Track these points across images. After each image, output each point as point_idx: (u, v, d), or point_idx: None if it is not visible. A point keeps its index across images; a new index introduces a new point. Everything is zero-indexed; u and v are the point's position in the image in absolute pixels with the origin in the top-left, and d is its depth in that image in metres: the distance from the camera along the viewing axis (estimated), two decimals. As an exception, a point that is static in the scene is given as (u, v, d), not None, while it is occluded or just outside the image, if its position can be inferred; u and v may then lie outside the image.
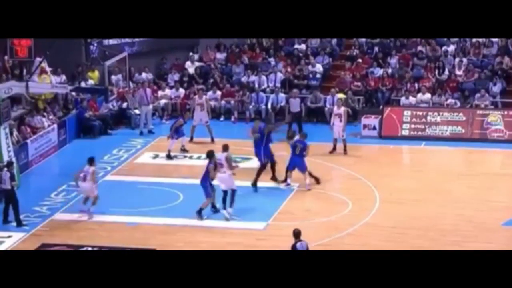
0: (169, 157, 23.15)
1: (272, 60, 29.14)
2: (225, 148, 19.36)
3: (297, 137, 21.60)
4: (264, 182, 21.16)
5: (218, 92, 27.79)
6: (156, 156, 23.62)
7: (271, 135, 21.48)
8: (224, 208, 18.99)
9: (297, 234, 15.01)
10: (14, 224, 18.79)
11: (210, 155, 19.19)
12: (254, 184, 20.67)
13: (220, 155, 19.16)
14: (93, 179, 19.11)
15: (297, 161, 20.87)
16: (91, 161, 19.29)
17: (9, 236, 18.33)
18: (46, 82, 23.94)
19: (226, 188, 19.00)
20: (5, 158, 20.47)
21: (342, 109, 23.67)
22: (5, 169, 19.08)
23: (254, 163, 22.61)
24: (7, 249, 17.62)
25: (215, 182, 19.10)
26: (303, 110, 26.24)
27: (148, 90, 26.48)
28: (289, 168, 20.98)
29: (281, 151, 21.80)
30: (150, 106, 26.29)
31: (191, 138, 24.47)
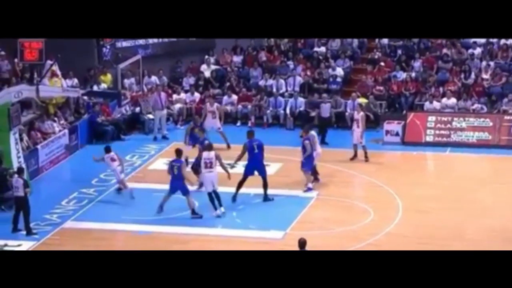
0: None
1: (290, 63, 29.17)
2: (211, 147, 19.96)
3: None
4: (282, 190, 21.17)
5: (234, 96, 27.84)
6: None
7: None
8: (215, 208, 19.50)
9: (302, 244, 14.77)
10: (24, 232, 18.92)
11: (179, 153, 19.94)
12: (266, 197, 20.61)
13: (207, 154, 19.64)
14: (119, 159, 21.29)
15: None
16: (108, 150, 21.23)
17: (19, 245, 18.46)
18: (57, 86, 24.07)
19: (215, 187, 19.55)
20: (15, 164, 20.60)
21: (360, 115, 23.67)
22: (16, 175, 19.25)
23: (272, 170, 22.67)
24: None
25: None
26: (333, 116, 26.11)
27: (163, 94, 26.58)
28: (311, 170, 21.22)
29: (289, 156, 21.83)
30: (164, 111, 26.39)
31: None
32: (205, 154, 19.75)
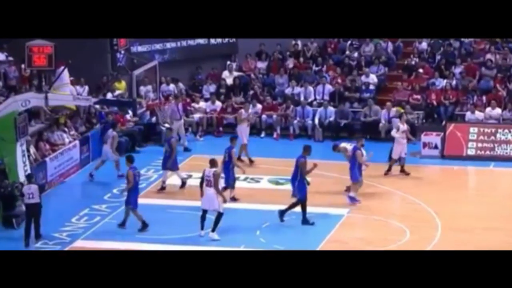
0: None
1: (319, 70, 29.13)
2: (214, 163, 19.66)
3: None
4: (310, 207, 21.10)
5: (259, 106, 27.83)
6: (189, 177, 23.68)
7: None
8: (202, 228, 19.43)
9: None
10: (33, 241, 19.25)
11: (130, 159, 20.26)
12: (282, 214, 20.32)
13: (208, 171, 19.50)
14: (112, 143, 23.43)
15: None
16: (114, 126, 24.11)
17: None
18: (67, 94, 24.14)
19: (208, 208, 19.38)
20: (22, 178, 20.70)
21: (407, 127, 23.55)
22: (26, 182, 19.67)
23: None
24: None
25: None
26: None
27: (180, 104, 26.60)
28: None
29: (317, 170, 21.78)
30: (182, 121, 26.37)
31: (239, 157, 23.95)
32: (206, 170, 19.60)
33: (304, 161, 20.31)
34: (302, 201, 20.20)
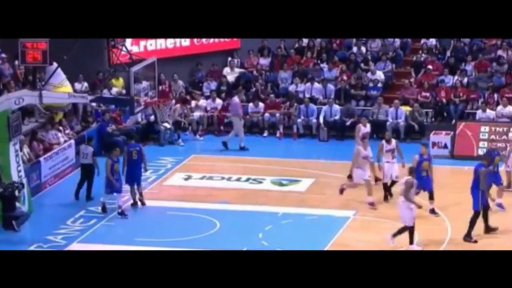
0: None
1: (324, 66, 29.15)
2: (410, 171, 19.37)
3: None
4: (315, 209, 21.12)
5: (261, 104, 27.84)
6: (188, 178, 23.72)
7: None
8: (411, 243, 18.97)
9: None
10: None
11: (131, 137, 22.56)
12: (469, 235, 19.54)
13: (403, 179, 19.26)
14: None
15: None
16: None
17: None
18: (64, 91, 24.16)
19: (402, 219, 18.97)
20: (15, 179, 20.71)
21: None
22: (84, 144, 22.09)
23: (303, 186, 22.60)
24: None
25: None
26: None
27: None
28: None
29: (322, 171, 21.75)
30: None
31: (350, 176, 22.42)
32: (404, 179, 19.19)
33: (484, 170, 19.49)
34: (477, 212, 19.47)
